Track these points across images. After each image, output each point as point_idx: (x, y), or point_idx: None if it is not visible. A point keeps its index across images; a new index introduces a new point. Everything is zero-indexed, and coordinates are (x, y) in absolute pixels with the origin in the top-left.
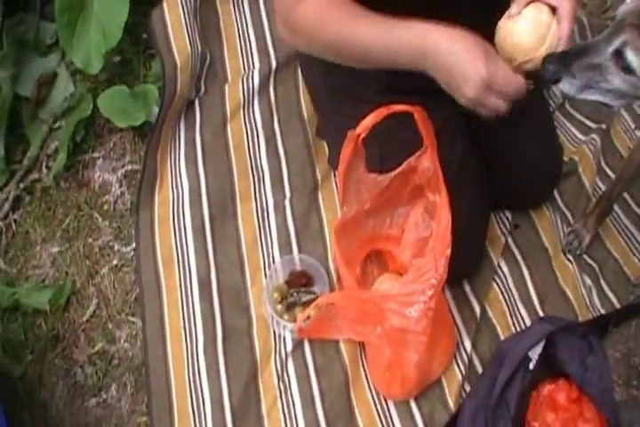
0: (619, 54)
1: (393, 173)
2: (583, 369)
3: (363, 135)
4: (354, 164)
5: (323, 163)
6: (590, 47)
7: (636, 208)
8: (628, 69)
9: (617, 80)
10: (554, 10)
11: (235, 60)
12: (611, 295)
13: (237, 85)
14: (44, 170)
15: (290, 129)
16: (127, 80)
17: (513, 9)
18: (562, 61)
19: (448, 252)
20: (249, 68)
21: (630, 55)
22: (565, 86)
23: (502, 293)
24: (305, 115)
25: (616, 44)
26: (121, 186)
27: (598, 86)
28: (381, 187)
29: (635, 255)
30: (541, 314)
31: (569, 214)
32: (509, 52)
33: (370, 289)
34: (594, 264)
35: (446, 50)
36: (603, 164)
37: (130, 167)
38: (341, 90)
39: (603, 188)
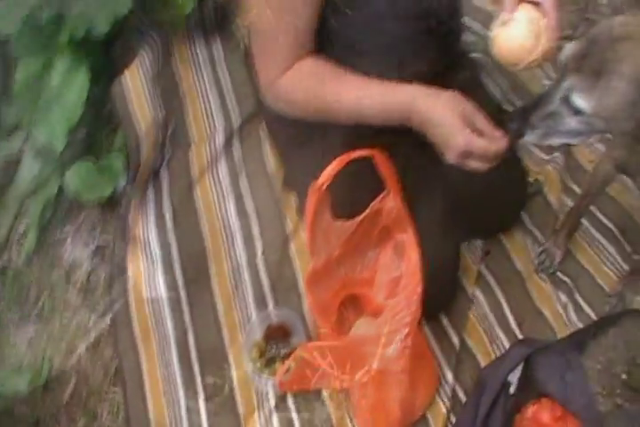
0: (567, 99)
1: (359, 218)
2: (564, 386)
3: (326, 184)
4: (320, 212)
5: (291, 214)
6: (543, 98)
7: (603, 219)
8: (578, 111)
9: (572, 122)
10: (536, 4)
11: (198, 122)
12: (587, 309)
13: (202, 148)
14: (15, 251)
15: (256, 185)
16: (92, 153)
17: (505, 16)
18: (521, 117)
19: (419, 289)
20: (212, 128)
21: (577, 98)
22: (530, 138)
23: (480, 321)
24: (270, 168)
25: (563, 90)
26: (93, 260)
27: (558, 131)
28: (349, 233)
29: (607, 266)
30: (520, 337)
31: (538, 234)
32: (514, 57)
33: (348, 334)
34: (568, 280)
35: (426, 117)
36: (568, 180)
37: (101, 241)
38: (308, 140)
39: (569, 204)
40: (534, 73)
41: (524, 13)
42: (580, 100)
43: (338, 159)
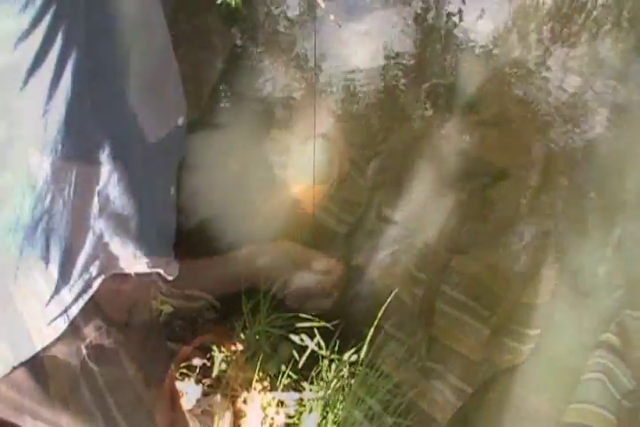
0: (380, 214)
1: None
2: None
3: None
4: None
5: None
6: (360, 220)
7: (454, 294)
8: (392, 221)
9: (390, 233)
10: None
11: None
12: (463, 386)
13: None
14: None
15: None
16: None
17: None
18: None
19: None
20: None
21: (387, 210)
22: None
23: None
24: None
25: (375, 206)
26: None
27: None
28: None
29: (470, 338)
30: None
31: (398, 334)
32: None
33: None
34: (438, 366)
35: (264, 269)
36: (413, 270)
37: None
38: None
39: (419, 293)
40: (357, 186)
41: None
42: (390, 212)
43: (178, 357)
